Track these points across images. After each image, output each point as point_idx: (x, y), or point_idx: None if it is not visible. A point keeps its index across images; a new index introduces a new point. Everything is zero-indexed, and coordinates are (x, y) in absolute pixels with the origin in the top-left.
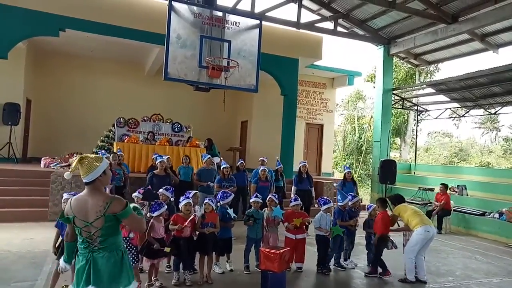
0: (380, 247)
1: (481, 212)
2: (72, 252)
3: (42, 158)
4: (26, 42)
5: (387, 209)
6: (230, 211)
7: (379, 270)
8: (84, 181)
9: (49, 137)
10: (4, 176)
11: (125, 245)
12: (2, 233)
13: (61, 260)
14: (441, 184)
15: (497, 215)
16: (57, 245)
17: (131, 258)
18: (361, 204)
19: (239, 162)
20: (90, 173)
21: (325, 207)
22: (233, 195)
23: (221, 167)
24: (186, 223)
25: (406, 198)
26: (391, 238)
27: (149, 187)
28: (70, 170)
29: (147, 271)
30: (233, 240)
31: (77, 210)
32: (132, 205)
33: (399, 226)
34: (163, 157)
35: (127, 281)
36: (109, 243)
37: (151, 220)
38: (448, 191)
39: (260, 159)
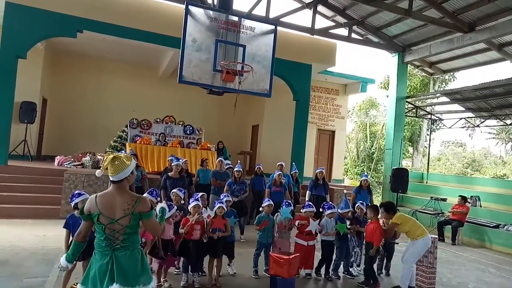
0: (374, 257)
1: (495, 224)
2: (78, 253)
3: (56, 157)
4: (44, 43)
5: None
6: (231, 219)
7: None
8: (112, 179)
9: (63, 136)
10: (19, 173)
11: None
12: (15, 229)
13: (63, 259)
14: (460, 196)
15: (511, 228)
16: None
17: None
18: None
19: (257, 167)
20: (120, 172)
21: (328, 212)
22: (227, 197)
23: (234, 170)
24: (190, 223)
25: (417, 207)
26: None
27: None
28: (101, 168)
29: (155, 272)
30: (243, 243)
31: (103, 207)
32: (159, 206)
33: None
34: (180, 160)
35: (148, 278)
36: (130, 241)
37: None
38: (467, 204)
39: (278, 163)
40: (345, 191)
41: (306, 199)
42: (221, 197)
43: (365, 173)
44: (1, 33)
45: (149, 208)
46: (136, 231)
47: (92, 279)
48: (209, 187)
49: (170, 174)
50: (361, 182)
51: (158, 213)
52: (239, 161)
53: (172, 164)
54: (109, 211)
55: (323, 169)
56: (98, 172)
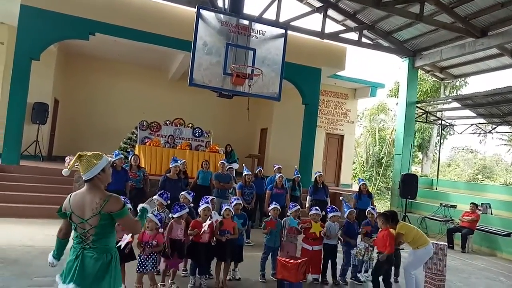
0: (383, 267)
1: (506, 233)
2: (62, 249)
3: (66, 157)
4: (57, 45)
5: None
6: (237, 221)
7: None
8: (83, 178)
9: (74, 137)
10: (30, 173)
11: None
12: (26, 228)
13: (50, 255)
14: (471, 203)
15: None
16: None
17: (151, 263)
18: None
19: (258, 169)
20: (88, 171)
21: (331, 215)
22: (238, 200)
23: (243, 174)
24: (203, 228)
25: (427, 214)
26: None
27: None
28: (68, 167)
29: (161, 272)
30: (251, 247)
31: (74, 206)
32: (140, 206)
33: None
34: (178, 161)
35: (107, 286)
36: (101, 244)
37: (171, 221)
38: (477, 211)
39: (276, 166)
40: (341, 197)
41: (307, 204)
42: (232, 200)
43: (361, 178)
44: (16, 35)
45: (120, 206)
46: (109, 233)
47: (64, 272)
48: (208, 188)
49: (168, 175)
50: (360, 187)
51: (139, 212)
52: (244, 164)
53: (170, 166)
54: (79, 210)
55: (321, 172)
56: (64, 171)
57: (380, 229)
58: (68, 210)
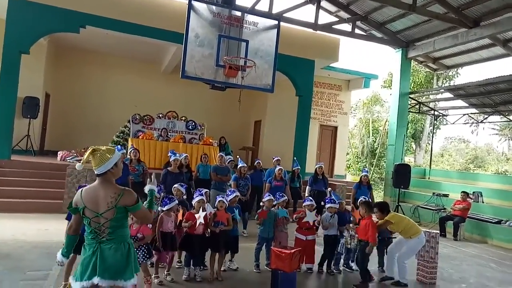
0: (367, 257)
1: (496, 220)
2: (72, 246)
3: (59, 152)
4: (47, 38)
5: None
6: (236, 213)
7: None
8: (95, 172)
9: (66, 131)
10: (22, 168)
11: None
12: (18, 223)
13: (59, 253)
14: (462, 192)
15: None
16: None
17: (142, 255)
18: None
19: (256, 162)
20: (102, 165)
21: (328, 205)
22: (236, 192)
23: (238, 166)
24: (198, 220)
25: (419, 203)
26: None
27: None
28: (81, 161)
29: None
30: (245, 238)
31: (87, 201)
32: (147, 188)
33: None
34: (179, 155)
35: (130, 273)
36: (117, 235)
37: (161, 214)
38: (468, 199)
39: (275, 158)
40: (329, 189)
41: (306, 194)
42: (229, 193)
43: (365, 169)
44: (5, 28)
45: (134, 200)
46: (123, 224)
47: (78, 271)
48: (209, 182)
49: (169, 169)
50: (361, 178)
51: (148, 196)
52: (238, 156)
53: (171, 160)
54: (93, 204)
55: (322, 164)
56: (78, 166)
57: (363, 218)
58: (80, 205)
